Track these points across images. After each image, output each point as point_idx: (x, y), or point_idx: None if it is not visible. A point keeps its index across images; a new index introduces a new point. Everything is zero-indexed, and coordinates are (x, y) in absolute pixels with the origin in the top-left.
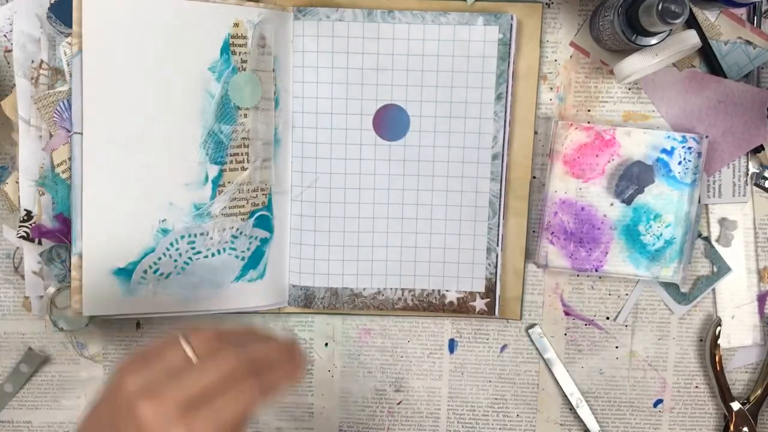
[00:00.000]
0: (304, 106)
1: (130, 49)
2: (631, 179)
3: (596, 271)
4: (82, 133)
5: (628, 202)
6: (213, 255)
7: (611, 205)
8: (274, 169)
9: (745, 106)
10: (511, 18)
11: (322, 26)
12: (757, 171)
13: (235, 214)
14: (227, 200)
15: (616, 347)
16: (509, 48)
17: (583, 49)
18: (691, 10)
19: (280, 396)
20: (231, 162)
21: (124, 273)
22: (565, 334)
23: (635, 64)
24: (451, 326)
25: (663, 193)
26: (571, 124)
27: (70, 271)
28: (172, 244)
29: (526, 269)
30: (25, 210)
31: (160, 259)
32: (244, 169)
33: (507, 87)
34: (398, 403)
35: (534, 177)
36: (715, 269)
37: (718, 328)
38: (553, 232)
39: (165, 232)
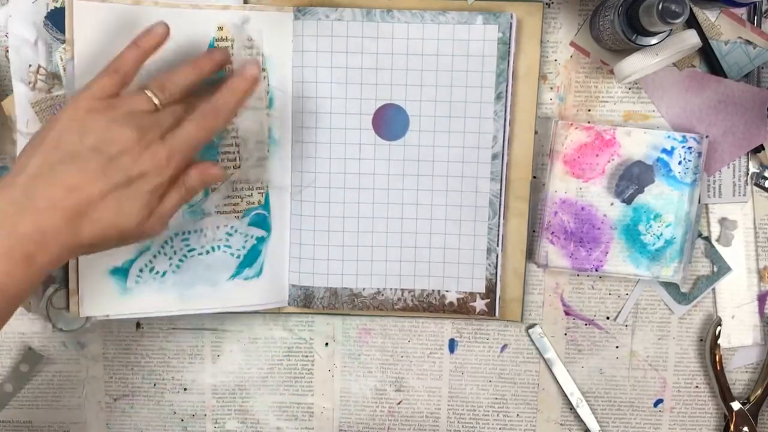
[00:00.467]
0: (304, 106)
1: None
2: (632, 179)
3: (596, 270)
4: None
5: (628, 201)
6: (207, 252)
7: (611, 204)
8: (272, 168)
9: (745, 106)
10: (511, 17)
11: (322, 26)
12: (757, 171)
13: (230, 212)
14: (221, 198)
15: (617, 347)
16: (509, 47)
17: (583, 49)
18: (691, 10)
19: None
20: (223, 161)
21: (121, 272)
22: (565, 334)
23: (635, 64)
24: (451, 326)
25: (663, 192)
26: (571, 124)
27: (67, 271)
28: (166, 242)
29: (527, 269)
30: None
31: (155, 256)
32: (236, 167)
33: (507, 86)
34: (398, 403)
35: (534, 177)
36: (715, 269)
37: (718, 328)
38: (553, 232)
39: None
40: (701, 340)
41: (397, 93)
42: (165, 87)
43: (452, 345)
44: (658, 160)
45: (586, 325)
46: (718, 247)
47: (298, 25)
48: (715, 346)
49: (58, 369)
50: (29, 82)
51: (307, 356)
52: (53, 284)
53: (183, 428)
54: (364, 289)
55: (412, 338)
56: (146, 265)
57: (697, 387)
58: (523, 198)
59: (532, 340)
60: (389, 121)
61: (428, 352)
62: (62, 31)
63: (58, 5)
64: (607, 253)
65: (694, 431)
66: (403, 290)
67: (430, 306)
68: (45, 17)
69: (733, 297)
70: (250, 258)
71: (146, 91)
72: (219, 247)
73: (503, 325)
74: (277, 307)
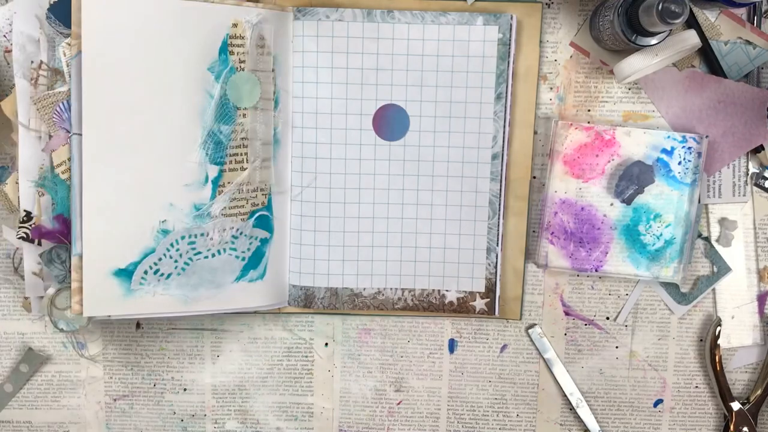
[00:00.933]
0: (304, 106)
1: (129, 50)
2: (631, 179)
3: (596, 271)
4: (81, 134)
5: (628, 202)
6: (213, 255)
7: (611, 205)
8: (274, 169)
9: (745, 106)
10: (511, 18)
11: (322, 26)
12: (757, 171)
13: (235, 214)
14: (227, 200)
15: (616, 347)
16: (509, 48)
17: (583, 49)
18: (691, 10)
19: None
20: (230, 162)
21: (124, 274)
22: (565, 334)
23: (635, 64)
24: (451, 326)
25: (663, 193)
26: (571, 124)
27: (70, 271)
28: (172, 245)
29: (526, 269)
30: (25, 211)
31: (160, 259)
32: (243, 169)
33: (507, 87)
34: (398, 403)
35: (534, 177)
36: (715, 269)
37: (718, 328)
38: (553, 232)
39: (165, 232)
40: (701, 340)
41: (398, 93)
42: None
43: (452, 345)
44: (658, 160)
45: (586, 325)
46: (718, 247)
47: (298, 26)
48: (715, 346)
49: (58, 369)
50: (31, 79)
51: (307, 356)
52: (55, 285)
53: (183, 428)
54: (364, 289)
55: (412, 338)
56: (150, 268)
57: (697, 387)
58: (522, 197)
59: (531, 341)
60: (390, 122)
61: (428, 352)
62: (66, 24)
63: None
64: (606, 253)
65: (694, 431)
66: (403, 290)
67: (430, 305)
68: (48, 10)
69: (733, 297)
70: (255, 260)
71: None
72: (225, 250)
73: (503, 325)
74: (278, 307)
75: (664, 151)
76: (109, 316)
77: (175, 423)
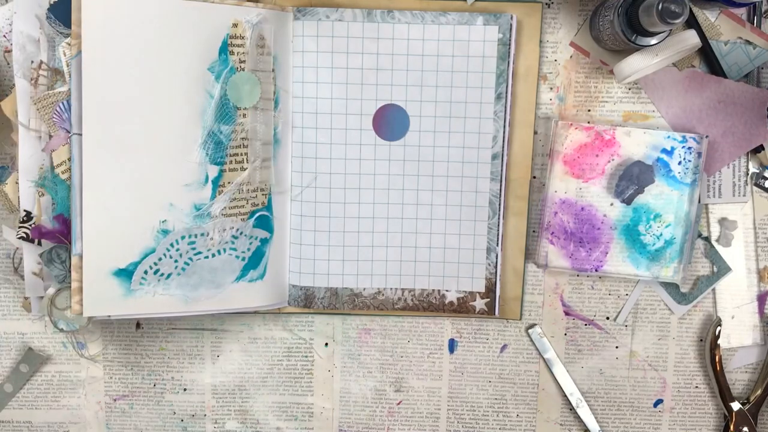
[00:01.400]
0: (304, 106)
1: (130, 50)
2: (631, 179)
3: (596, 271)
4: (81, 134)
5: (628, 202)
6: (213, 255)
7: (611, 205)
8: (274, 169)
9: (745, 106)
10: (511, 18)
11: (322, 26)
12: (757, 171)
13: (236, 214)
14: (227, 200)
15: (616, 347)
16: (509, 48)
17: (583, 49)
18: (691, 10)
19: None
20: (230, 162)
21: (124, 274)
22: (565, 334)
23: (635, 64)
24: (451, 326)
25: (663, 193)
26: (571, 124)
27: (70, 271)
28: (172, 245)
29: (526, 269)
30: (25, 211)
31: (160, 259)
32: (243, 169)
33: (507, 87)
34: (398, 403)
35: (534, 177)
36: (715, 269)
37: (718, 328)
38: (553, 232)
39: (165, 232)
40: (701, 340)
41: (398, 93)
42: None
43: (452, 345)
44: (658, 160)
45: (586, 325)
46: (718, 247)
47: (298, 26)
48: (715, 346)
49: (58, 369)
50: (31, 79)
51: (306, 356)
52: (55, 285)
53: (183, 428)
54: (364, 289)
55: (412, 338)
56: (150, 268)
57: (697, 387)
58: (522, 197)
59: (531, 341)
60: (390, 122)
61: (428, 352)
62: (66, 24)
63: None
64: (606, 253)
65: (694, 431)
66: (403, 290)
67: (430, 305)
68: (48, 10)
69: (733, 297)
70: (255, 260)
71: None
72: (225, 250)
73: (503, 325)
74: (278, 307)
75: (664, 151)
76: (109, 316)
77: (175, 423)
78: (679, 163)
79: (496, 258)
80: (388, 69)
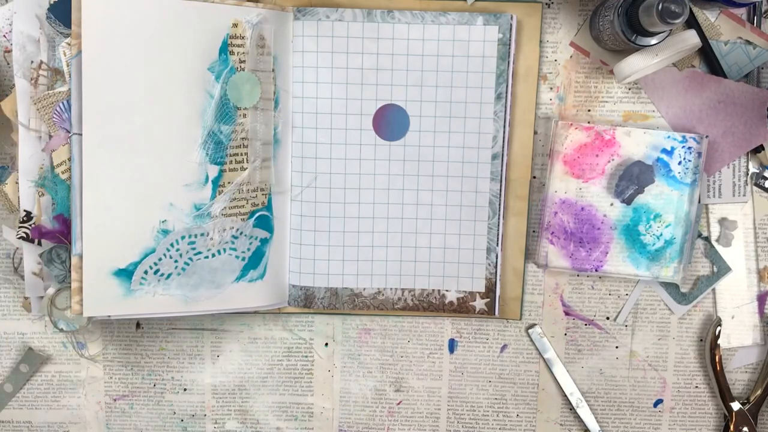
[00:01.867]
0: (304, 106)
1: (130, 50)
2: (631, 179)
3: (596, 271)
4: (81, 134)
5: (628, 202)
6: (213, 255)
7: (611, 205)
8: (274, 169)
9: (745, 106)
10: (511, 18)
11: (322, 26)
12: (757, 171)
13: (236, 214)
14: (227, 200)
15: (616, 347)
16: (509, 48)
17: (583, 49)
18: (691, 10)
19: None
20: (230, 162)
21: (124, 274)
22: (565, 334)
23: (635, 64)
24: (451, 326)
25: (663, 193)
26: (571, 124)
27: (70, 271)
28: (172, 245)
29: (526, 269)
30: (25, 211)
31: (160, 259)
32: (243, 169)
33: (507, 87)
34: (398, 403)
35: (534, 177)
36: (715, 269)
37: (718, 328)
38: (553, 232)
39: (165, 232)
40: (701, 340)
41: (398, 93)
42: None
43: (452, 345)
44: (658, 160)
45: (586, 325)
46: (718, 247)
47: (298, 26)
48: (715, 346)
49: (58, 369)
50: (31, 79)
51: (306, 356)
52: (55, 285)
53: (183, 428)
54: (364, 289)
55: (412, 338)
56: (150, 268)
57: (697, 387)
58: (522, 197)
59: (531, 341)
60: (390, 122)
61: (428, 352)
62: (66, 24)
63: None
64: (607, 253)
65: (694, 431)
66: (403, 290)
67: (430, 305)
68: (48, 10)
69: (733, 297)
70: (255, 260)
71: None
72: (225, 250)
73: (503, 325)
74: (278, 307)
75: (664, 151)
76: (109, 316)
77: (175, 423)
78: (679, 163)
79: (496, 258)
80: (388, 69)
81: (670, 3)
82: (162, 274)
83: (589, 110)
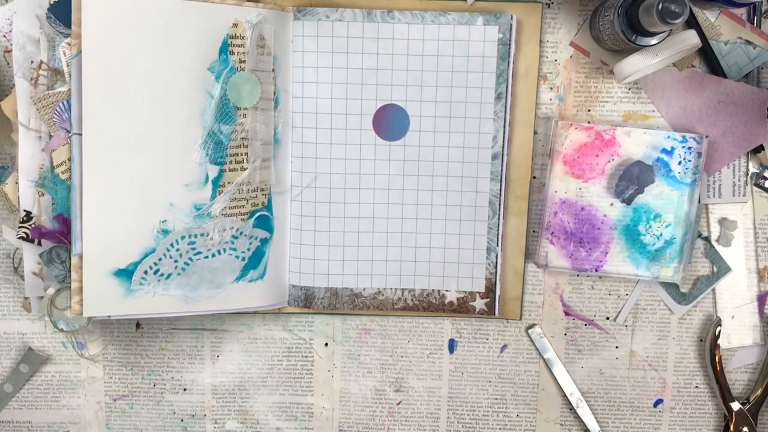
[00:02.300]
0: (304, 106)
1: (130, 50)
2: (631, 179)
3: (596, 271)
4: (81, 134)
5: (628, 202)
6: (213, 255)
7: (611, 205)
8: (274, 169)
9: (745, 106)
10: (511, 18)
11: (322, 26)
12: (757, 171)
13: (235, 214)
14: (227, 200)
15: (616, 347)
16: (509, 48)
17: (583, 49)
18: (691, 10)
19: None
20: (230, 162)
21: (124, 274)
22: (565, 334)
23: (635, 64)
24: (451, 326)
25: (663, 193)
26: (571, 124)
27: (70, 271)
28: (172, 245)
29: (526, 269)
30: (25, 211)
31: (160, 259)
32: (243, 169)
33: (507, 87)
34: (398, 403)
35: (534, 177)
36: (715, 269)
37: (718, 328)
38: (553, 232)
39: (165, 232)
40: (701, 340)
41: (398, 93)
42: None
43: (452, 345)
44: (658, 160)
45: (586, 325)
46: (718, 247)
47: (298, 26)
48: (714, 346)
49: (58, 369)
50: (31, 79)
51: (306, 356)
52: (55, 285)
53: (183, 428)
54: (364, 289)
55: (412, 338)
56: (151, 268)
57: (697, 387)
58: (522, 197)
59: (531, 341)
60: (390, 122)
61: (428, 353)
62: (66, 24)
63: None
64: (606, 253)
65: (694, 431)
66: (403, 290)
67: (430, 305)
68: (48, 10)
69: (733, 297)
70: (255, 260)
71: None
72: (225, 250)
73: (503, 325)
74: (278, 307)
75: (664, 151)
76: (109, 316)
77: (175, 423)
78: (679, 163)
79: (496, 258)
80: (388, 69)
81: (670, 3)
82: (162, 274)
83: (589, 110)
